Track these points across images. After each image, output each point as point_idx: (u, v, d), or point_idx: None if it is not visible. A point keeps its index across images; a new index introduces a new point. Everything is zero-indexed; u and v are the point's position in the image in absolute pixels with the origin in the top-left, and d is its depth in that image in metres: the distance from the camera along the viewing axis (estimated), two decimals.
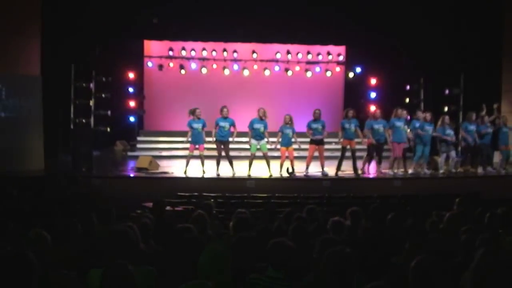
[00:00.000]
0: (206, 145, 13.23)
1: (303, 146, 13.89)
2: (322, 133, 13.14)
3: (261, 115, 13.00)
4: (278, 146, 13.25)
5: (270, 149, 13.27)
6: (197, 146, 12.98)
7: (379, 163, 13.68)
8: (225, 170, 12.99)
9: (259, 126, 12.98)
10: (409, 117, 14.48)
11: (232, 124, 12.96)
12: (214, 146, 13.10)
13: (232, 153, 13.32)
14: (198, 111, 13.04)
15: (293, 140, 13.15)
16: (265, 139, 13.09)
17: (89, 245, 5.15)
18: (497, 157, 14.72)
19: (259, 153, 13.12)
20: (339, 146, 13.66)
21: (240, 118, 13.56)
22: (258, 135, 12.97)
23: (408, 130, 13.82)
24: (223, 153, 12.95)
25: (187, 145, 13.20)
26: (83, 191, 11.56)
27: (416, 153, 13.74)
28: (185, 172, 13.01)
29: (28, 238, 4.61)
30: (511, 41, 16.99)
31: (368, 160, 13.71)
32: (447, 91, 18.07)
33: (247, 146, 13.27)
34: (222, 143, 12.95)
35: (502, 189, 12.62)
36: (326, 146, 13.72)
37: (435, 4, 16.74)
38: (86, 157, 13.32)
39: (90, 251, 4.90)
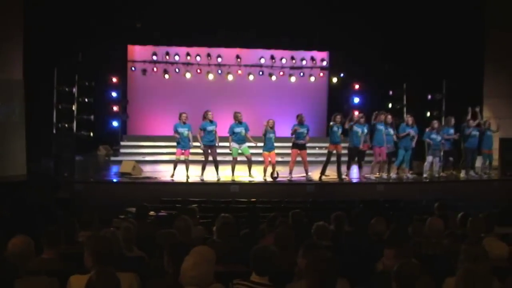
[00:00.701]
0: (192, 150, 13.17)
1: (285, 151, 13.89)
2: (305, 138, 13.13)
3: (239, 118, 12.96)
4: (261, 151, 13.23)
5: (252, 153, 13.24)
6: (183, 151, 12.91)
7: (360, 167, 13.71)
8: (209, 175, 12.94)
9: (239, 129, 12.93)
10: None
11: (216, 127, 12.91)
12: (200, 151, 13.03)
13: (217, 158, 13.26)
14: (184, 116, 12.92)
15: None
16: (247, 143, 13.01)
17: (71, 251, 5.11)
18: (479, 162, 14.84)
19: (241, 157, 13.07)
20: (323, 151, 13.66)
21: (224, 123, 13.50)
22: (240, 139, 12.92)
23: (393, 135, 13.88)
24: (210, 158, 12.88)
25: (171, 150, 13.13)
26: (65, 196, 11.47)
27: (397, 157, 13.84)
28: (172, 176, 12.94)
29: (10, 244, 4.55)
30: (493, 47, 17.20)
31: (349, 164, 13.71)
32: (429, 96, 18.23)
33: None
34: (210, 147, 12.88)
35: (485, 194, 12.75)
36: (310, 151, 13.72)
37: (417, 10, 16.87)
38: (69, 162, 13.20)
39: (71, 257, 4.86)
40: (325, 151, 13.75)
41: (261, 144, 13.14)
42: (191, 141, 12.97)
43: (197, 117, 13.27)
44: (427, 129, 14.01)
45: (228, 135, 12.97)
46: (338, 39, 18.33)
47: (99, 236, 4.50)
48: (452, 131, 14.15)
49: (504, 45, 16.67)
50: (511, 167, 14.99)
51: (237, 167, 13.00)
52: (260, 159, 13.47)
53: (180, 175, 12.98)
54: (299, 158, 13.20)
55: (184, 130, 12.83)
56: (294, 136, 13.07)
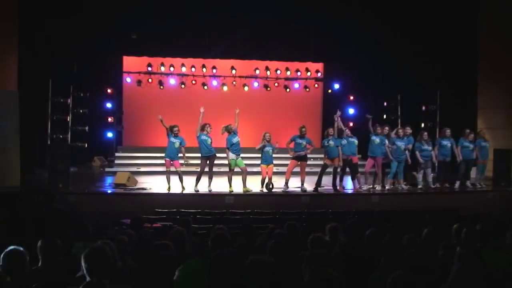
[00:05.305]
0: (193, 161, 13.08)
1: (279, 162, 13.87)
2: (305, 149, 13.14)
3: (230, 129, 12.92)
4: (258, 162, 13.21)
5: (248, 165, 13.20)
6: (172, 162, 12.85)
7: (353, 178, 13.70)
8: (204, 186, 12.85)
9: (236, 140, 12.90)
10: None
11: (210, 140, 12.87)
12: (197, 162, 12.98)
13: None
14: (176, 129, 12.86)
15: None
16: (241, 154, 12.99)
17: (65, 263, 5.08)
18: (473, 172, 14.85)
19: (237, 169, 13.01)
20: (318, 162, 13.63)
21: (219, 134, 13.48)
22: (237, 150, 12.87)
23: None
24: (206, 169, 12.82)
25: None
26: (59, 207, 11.41)
27: (391, 169, 13.81)
28: (168, 190, 12.82)
29: (5, 256, 4.53)
30: (486, 59, 17.27)
31: (341, 176, 13.69)
32: (424, 108, 18.33)
33: (225, 161, 13.17)
34: (208, 158, 12.82)
35: (479, 205, 12.76)
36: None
37: (412, 22, 16.98)
38: (63, 173, 13.13)
39: (66, 268, 4.83)
40: (319, 162, 13.70)
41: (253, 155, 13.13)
42: (183, 154, 12.90)
43: (192, 128, 13.18)
44: (417, 140, 14.00)
45: (226, 147, 12.91)
46: (333, 51, 18.42)
47: (94, 247, 4.48)
48: (446, 142, 14.09)
49: (497, 56, 16.74)
50: (505, 177, 15.01)
51: (234, 177, 12.92)
52: (256, 169, 13.42)
53: (176, 186, 12.88)
54: (296, 169, 13.19)
55: (176, 141, 12.78)
56: (293, 148, 13.09)
